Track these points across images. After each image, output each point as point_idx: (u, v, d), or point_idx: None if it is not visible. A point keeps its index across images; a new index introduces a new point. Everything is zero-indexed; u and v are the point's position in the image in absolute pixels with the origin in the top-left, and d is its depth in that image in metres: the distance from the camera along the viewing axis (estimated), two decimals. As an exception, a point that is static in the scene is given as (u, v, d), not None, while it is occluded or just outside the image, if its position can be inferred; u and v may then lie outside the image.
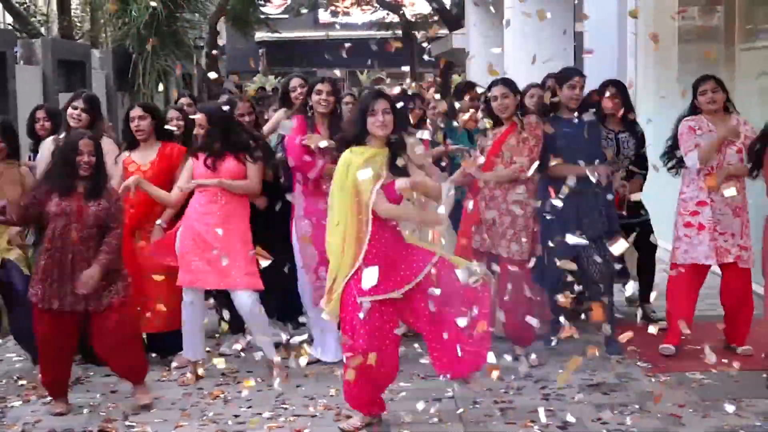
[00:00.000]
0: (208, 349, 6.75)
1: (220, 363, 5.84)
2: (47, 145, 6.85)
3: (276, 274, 6.37)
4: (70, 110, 6.85)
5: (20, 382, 6.40)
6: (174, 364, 6.60)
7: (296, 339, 6.07)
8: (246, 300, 6.26)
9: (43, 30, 20.34)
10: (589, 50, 9.63)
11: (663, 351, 6.65)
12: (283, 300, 7.00)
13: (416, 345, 5.98)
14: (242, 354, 6.68)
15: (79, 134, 5.87)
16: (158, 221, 6.66)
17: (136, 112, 6.75)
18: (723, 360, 5.93)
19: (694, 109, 6.70)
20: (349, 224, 5.15)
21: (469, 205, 6.62)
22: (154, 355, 6.79)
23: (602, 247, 6.39)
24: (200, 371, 6.37)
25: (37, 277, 5.70)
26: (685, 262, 6.61)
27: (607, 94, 7.28)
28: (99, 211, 5.66)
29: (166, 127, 6.95)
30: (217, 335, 7.28)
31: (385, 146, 5.26)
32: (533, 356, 6.36)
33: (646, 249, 7.41)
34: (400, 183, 5.12)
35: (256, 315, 6.31)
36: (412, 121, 7.11)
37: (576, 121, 6.57)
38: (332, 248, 5.25)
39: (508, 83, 6.67)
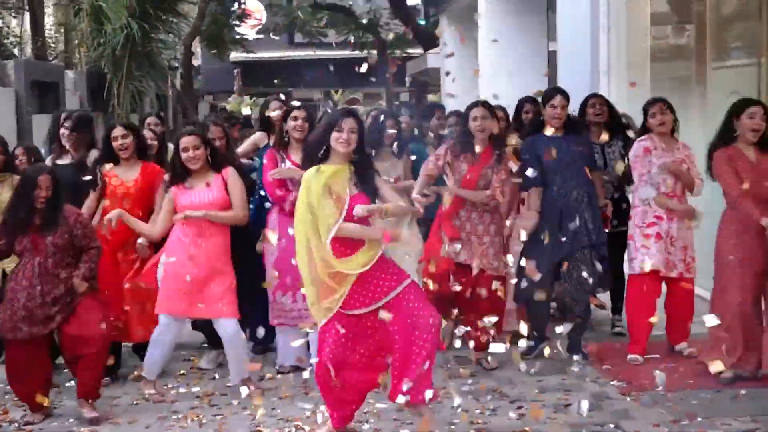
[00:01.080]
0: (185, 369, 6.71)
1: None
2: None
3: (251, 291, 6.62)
4: (62, 130, 7.23)
5: None
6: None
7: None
8: (230, 328, 6.30)
9: (16, 51, 20.28)
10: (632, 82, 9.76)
11: (631, 361, 6.82)
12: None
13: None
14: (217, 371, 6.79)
15: (39, 169, 6.10)
16: (140, 240, 6.63)
17: (119, 131, 6.78)
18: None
19: (644, 130, 6.98)
20: (313, 243, 5.16)
21: (446, 202, 6.76)
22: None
23: (584, 261, 6.73)
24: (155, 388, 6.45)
25: (4, 308, 5.87)
26: (643, 270, 6.80)
27: (591, 106, 7.55)
28: (56, 240, 5.86)
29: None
30: (192, 358, 7.26)
31: (348, 163, 5.28)
32: (489, 359, 6.71)
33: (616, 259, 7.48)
34: (358, 210, 5.14)
35: (238, 341, 6.36)
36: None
37: (558, 138, 6.85)
38: (301, 263, 5.27)
39: (487, 105, 6.84)
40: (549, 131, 6.89)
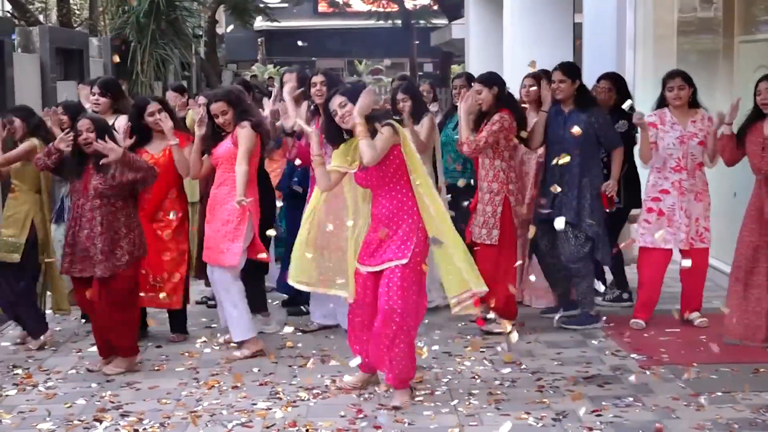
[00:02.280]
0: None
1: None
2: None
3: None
4: (83, 93, 7.51)
5: (15, 371, 6.40)
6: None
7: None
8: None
9: (41, 18, 20.32)
10: None
11: (633, 325, 7.05)
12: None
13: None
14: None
15: (82, 116, 6.40)
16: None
17: (155, 106, 6.81)
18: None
19: (662, 102, 7.08)
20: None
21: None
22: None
23: (577, 231, 6.97)
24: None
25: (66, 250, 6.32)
26: (645, 245, 7.05)
27: (601, 86, 7.65)
28: (97, 185, 6.11)
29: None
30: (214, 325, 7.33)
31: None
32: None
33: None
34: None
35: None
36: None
37: (559, 111, 7.09)
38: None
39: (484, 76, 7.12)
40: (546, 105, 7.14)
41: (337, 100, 5.50)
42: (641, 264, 7.18)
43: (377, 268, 5.51)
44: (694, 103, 7.04)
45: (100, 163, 6.08)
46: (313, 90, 6.92)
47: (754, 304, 6.48)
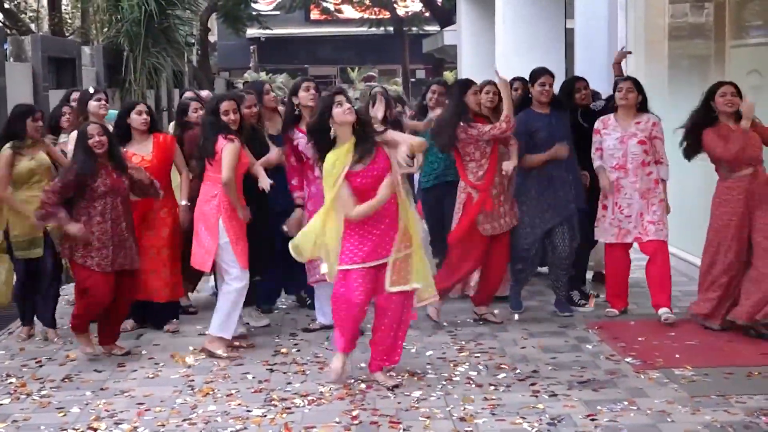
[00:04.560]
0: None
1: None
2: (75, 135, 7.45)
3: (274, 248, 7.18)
4: (94, 102, 7.68)
5: (9, 380, 6.38)
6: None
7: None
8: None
9: (33, 27, 20.31)
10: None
11: (607, 314, 7.55)
12: (289, 271, 7.52)
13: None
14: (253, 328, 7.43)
15: (88, 122, 6.92)
16: (183, 201, 7.32)
17: (143, 107, 7.29)
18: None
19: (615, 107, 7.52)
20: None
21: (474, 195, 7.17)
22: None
23: (573, 227, 7.46)
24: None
25: (95, 245, 6.54)
26: (598, 239, 7.74)
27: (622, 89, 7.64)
28: (127, 183, 6.66)
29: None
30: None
31: (352, 135, 5.86)
32: (496, 311, 7.55)
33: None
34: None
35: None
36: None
37: (547, 115, 7.46)
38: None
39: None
40: (537, 108, 7.48)
41: (340, 97, 5.83)
42: (605, 258, 7.76)
43: (379, 262, 5.88)
44: (643, 109, 7.46)
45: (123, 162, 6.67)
46: (305, 95, 7.08)
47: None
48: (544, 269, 8.23)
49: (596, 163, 7.50)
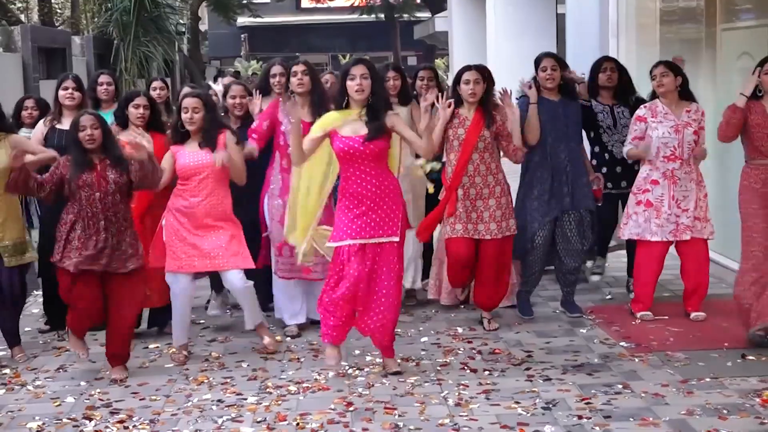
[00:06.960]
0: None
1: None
2: (39, 128, 7.24)
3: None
4: (61, 92, 7.17)
5: (3, 371, 6.38)
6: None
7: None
8: (236, 280, 6.38)
9: (23, 17, 20.23)
10: None
11: (642, 318, 6.96)
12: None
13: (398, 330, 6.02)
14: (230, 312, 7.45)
15: (80, 113, 6.17)
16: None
17: (142, 100, 6.82)
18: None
19: (654, 94, 7.04)
20: (314, 173, 6.22)
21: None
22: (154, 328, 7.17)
23: (573, 223, 6.98)
24: (184, 353, 6.48)
25: (72, 245, 5.97)
26: (630, 237, 7.04)
27: (603, 71, 7.62)
28: (117, 178, 5.98)
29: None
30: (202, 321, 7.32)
31: (361, 107, 5.81)
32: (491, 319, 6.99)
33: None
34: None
35: (246, 291, 6.43)
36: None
37: (554, 102, 6.96)
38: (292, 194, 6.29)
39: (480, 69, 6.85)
40: (546, 94, 6.95)
41: (361, 69, 5.76)
42: (637, 256, 7.10)
43: (372, 241, 5.79)
44: (685, 95, 6.93)
45: (120, 156, 6.04)
46: (293, 80, 6.71)
47: None
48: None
49: (625, 148, 7.04)
